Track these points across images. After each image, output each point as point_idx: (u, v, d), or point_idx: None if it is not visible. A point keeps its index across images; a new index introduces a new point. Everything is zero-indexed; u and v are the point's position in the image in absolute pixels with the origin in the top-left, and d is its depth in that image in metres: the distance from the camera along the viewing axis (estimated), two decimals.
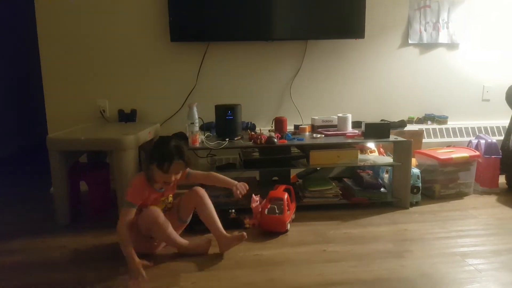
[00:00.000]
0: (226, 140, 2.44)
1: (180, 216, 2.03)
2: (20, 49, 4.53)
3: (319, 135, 2.60)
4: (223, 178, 2.07)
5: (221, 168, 2.53)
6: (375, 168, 2.72)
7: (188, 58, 2.89)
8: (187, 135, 2.39)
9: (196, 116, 2.37)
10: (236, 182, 2.04)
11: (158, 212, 1.85)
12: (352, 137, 2.56)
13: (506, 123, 2.93)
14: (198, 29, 2.78)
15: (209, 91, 2.94)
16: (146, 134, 2.42)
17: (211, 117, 2.64)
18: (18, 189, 3.12)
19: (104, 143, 2.24)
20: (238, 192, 2.00)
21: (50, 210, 2.42)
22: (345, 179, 2.75)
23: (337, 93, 3.13)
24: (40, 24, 2.75)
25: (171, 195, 2.04)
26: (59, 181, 2.25)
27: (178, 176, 1.90)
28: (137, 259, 1.71)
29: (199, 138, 2.41)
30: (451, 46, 3.20)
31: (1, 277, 1.77)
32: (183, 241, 1.94)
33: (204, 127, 2.65)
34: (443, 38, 3.16)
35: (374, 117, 3.07)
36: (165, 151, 1.82)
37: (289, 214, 2.22)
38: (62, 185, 2.25)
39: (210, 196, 2.41)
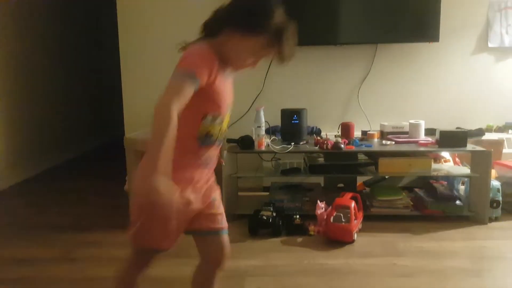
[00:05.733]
0: (291, 144, 2.43)
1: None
2: (99, 50, 4.89)
3: (389, 142, 2.50)
4: None
5: (285, 172, 2.52)
6: (450, 179, 2.56)
7: None
8: (253, 138, 2.41)
9: (263, 120, 2.39)
10: None
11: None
12: (425, 145, 2.43)
13: None
14: None
15: (275, 95, 2.95)
16: None
17: (277, 121, 2.64)
18: (96, 185, 3.35)
19: None
20: None
21: (125, 206, 2.56)
22: (416, 190, 2.62)
23: (408, 98, 2.99)
24: (121, 24, 2.95)
25: (227, 119, 1.24)
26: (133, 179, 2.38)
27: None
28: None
29: (265, 141, 2.42)
30: None
31: (80, 267, 1.91)
32: None
33: (270, 131, 2.66)
34: None
35: (448, 125, 2.89)
36: (272, 7, 1.12)
37: (356, 224, 2.16)
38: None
39: (275, 201, 2.43)
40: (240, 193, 2.69)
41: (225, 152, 2.37)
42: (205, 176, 1.22)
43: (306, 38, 2.79)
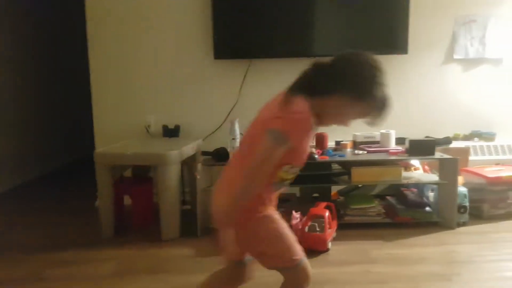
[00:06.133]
0: None
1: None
2: (69, 65, 4.80)
3: (361, 152, 2.56)
4: None
5: None
6: (420, 186, 2.64)
7: (231, 74, 2.97)
8: (228, 150, 2.42)
9: (238, 132, 2.41)
10: None
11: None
12: (395, 154, 2.50)
13: None
14: (241, 46, 2.86)
15: (251, 107, 2.95)
16: (189, 149, 2.48)
17: None
18: (65, 202, 3.25)
19: (149, 158, 2.32)
20: None
21: (95, 223, 2.51)
22: (388, 197, 2.68)
23: None
24: (90, 39, 2.92)
25: None
26: (104, 195, 2.34)
27: None
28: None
29: None
30: (498, 61, 3.08)
31: (51, 286, 1.86)
32: None
33: None
34: (489, 53, 3.05)
35: (418, 134, 2.98)
36: (379, 81, 1.19)
37: (330, 232, 2.19)
38: (107, 198, 2.34)
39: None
40: None
41: (199, 165, 2.37)
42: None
43: (281, 51, 2.88)
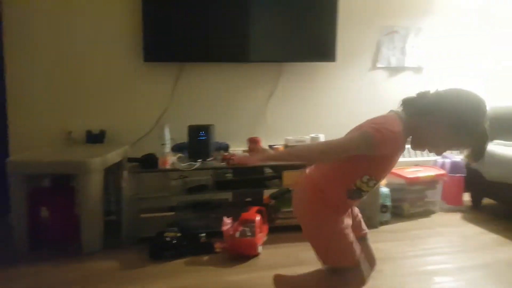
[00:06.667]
0: (198, 161, 2.41)
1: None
2: None
3: None
4: None
5: (192, 190, 2.49)
6: None
7: (161, 78, 2.88)
8: (158, 156, 2.34)
9: (168, 137, 2.34)
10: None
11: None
12: None
13: None
14: (172, 49, 2.78)
15: (183, 111, 2.92)
16: (114, 156, 2.36)
17: (184, 138, 2.61)
18: None
19: (68, 166, 2.16)
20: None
21: (9, 238, 2.28)
22: None
23: (311, 113, 3.17)
24: (6, 40, 2.68)
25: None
26: (18, 207, 2.15)
27: None
28: None
29: (170, 159, 2.37)
30: (417, 69, 3.31)
31: None
32: None
33: (175, 148, 2.61)
34: (409, 62, 3.28)
35: None
36: (480, 120, 1.20)
37: (261, 237, 2.20)
38: (21, 210, 2.16)
39: (180, 221, 2.38)
40: (144, 215, 2.58)
41: (125, 173, 2.26)
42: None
43: (214, 55, 2.85)
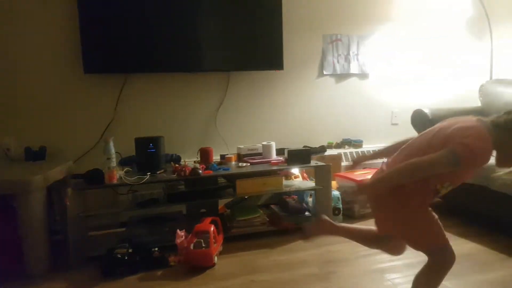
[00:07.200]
0: (147, 175, 2.34)
1: None
2: None
3: (244, 164, 2.60)
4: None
5: (142, 205, 2.41)
6: (300, 193, 2.78)
7: (104, 90, 2.78)
8: (104, 171, 2.25)
9: (113, 151, 2.25)
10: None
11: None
12: (276, 164, 2.60)
13: None
14: (114, 60, 2.69)
15: (129, 124, 2.83)
16: (57, 173, 2.24)
17: (132, 151, 2.53)
18: None
19: (7, 185, 2.02)
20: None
21: None
22: (272, 206, 2.77)
23: (262, 122, 3.19)
24: None
25: None
26: None
27: None
28: None
29: (117, 174, 2.28)
30: (362, 76, 3.45)
31: None
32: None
33: (123, 162, 2.53)
34: (354, 68, 3.41)
35: (297, 144, 3.16)
36: None
37: (216, 247, 2.17)
38: None
39: (131, 236, 2.30)
40: (93, 233, 2.46)
41: (69, 190, 2.15)
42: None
43: (159, 65, 2.80)
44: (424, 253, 1.46)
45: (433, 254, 1.46)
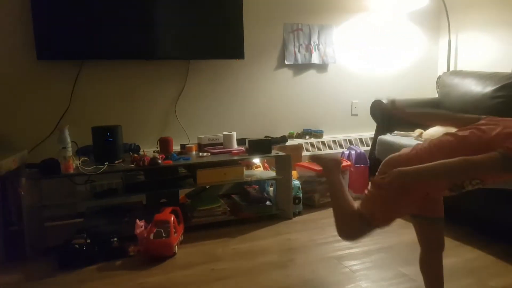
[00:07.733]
0: (105, 164, 2.29)
1: None
2: None
3: (205, 154, 2.60)
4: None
5: (100, 195, 2.36)
6: (261, 183, 2.82)
7: (59, 77, 2.66)
8: (59, 161, 2.18)
9: (68, 140, 2.18)
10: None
11: None
12: (237, 154, 2.62)
13: (372, 134, 3.30)
14: (69, 46, 2.57)
15: (86, 113, 2.74)
16: (10, 163, 2.14)
17: (89, 141, 2.45)
18: None
19: None
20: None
21: None
22: (233, 196, 2.79)
23: (222, 111, 3.18)
24: None
25: None
26: None
27: None
28: None
29: (74, 163, 2.22)
30: (323, 66, 3.50)
31: None
32: None
33: (80, 152, 2.45)
34: (315, 59, 3.45)
35: (258, 134, 3.19)
36: None
37: (177, 237, 2.17)
38: None
39: (89, 227, 2.26)
40: (49, 224, 2.39)
41: (23, 180, 2.07)
42: None
43: (116, 52, 2.71)
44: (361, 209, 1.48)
45: (364, 215, 1.46)
